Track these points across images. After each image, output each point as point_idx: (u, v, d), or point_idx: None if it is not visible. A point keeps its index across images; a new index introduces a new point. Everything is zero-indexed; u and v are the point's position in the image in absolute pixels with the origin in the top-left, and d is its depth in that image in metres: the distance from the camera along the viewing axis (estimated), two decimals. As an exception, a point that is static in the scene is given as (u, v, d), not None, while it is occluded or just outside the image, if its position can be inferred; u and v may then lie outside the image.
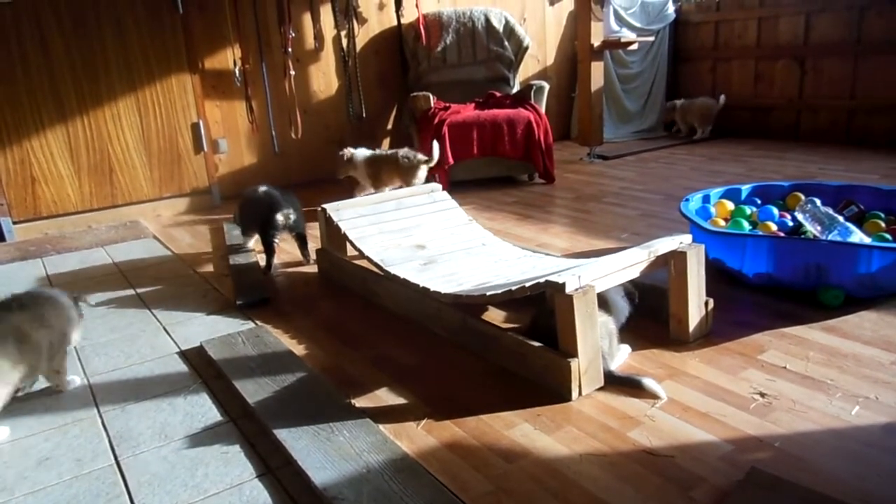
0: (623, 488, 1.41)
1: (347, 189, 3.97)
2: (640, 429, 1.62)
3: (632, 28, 5.63)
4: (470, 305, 2.18)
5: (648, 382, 1.77)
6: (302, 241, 3.08)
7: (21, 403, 1.95)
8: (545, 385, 1.81)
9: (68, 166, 3.98)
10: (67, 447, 1.71)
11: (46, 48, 3.80)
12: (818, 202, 2.53)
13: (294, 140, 4.55)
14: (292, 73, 4.42)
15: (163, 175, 4.28)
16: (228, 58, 4.39)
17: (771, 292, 2.35)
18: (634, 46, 5.10)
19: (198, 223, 4.05)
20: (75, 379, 2.04)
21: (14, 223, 3.88)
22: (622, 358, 1.93)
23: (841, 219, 2.42)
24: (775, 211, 2.68)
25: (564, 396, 1.76)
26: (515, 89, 5.00)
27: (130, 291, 2.88)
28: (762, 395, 1.73)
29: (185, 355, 2.22)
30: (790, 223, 2.59)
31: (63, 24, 3.82)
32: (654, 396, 1.74)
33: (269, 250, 2.99)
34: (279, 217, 2.93)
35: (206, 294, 2.78)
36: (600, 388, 1.80)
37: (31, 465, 1.64)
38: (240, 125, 4.54)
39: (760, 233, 2.53)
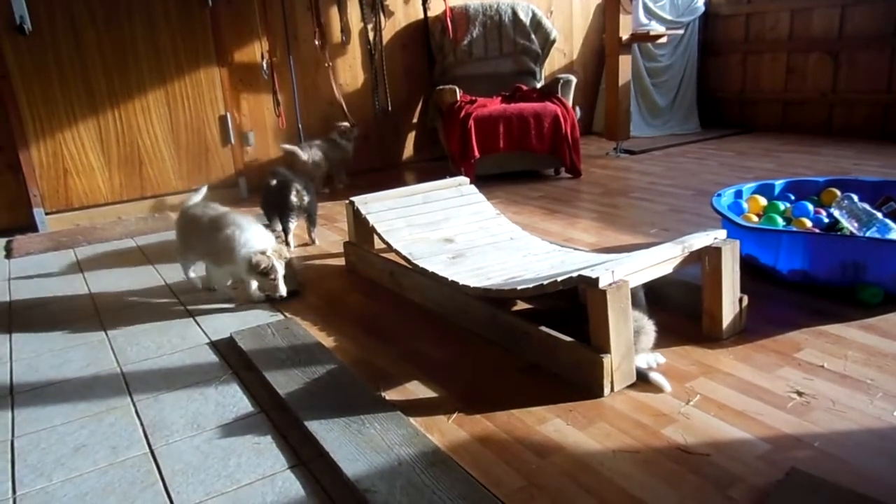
0: (659, 486, 1.39)
1: (374, 182, 3.98)
2: (675, 426, 1.59)
3: (661, 21, 5.56)
4: (498, 300, 2.16)
5: (654, 376, 1.77)
6: (311, 223, 3.30)
7: (56, 390, 1.98)
8: (576, 380, 1.79)
9: (99, 158, 4.04)
10: (102, 435, 1.73)
11: (79, 41, 3.85)
12: (855, 198, 2.47)
13: (321, 133, 4.56)
14: (328, 65, 4.54)
15: (191, 167, 4.32)
16: (256, 51, 4.41)
17: (806, 290, 2.30)
18: (664, 40, 5.03)
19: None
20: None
21: (47, 214, 3.95)
22: (649, 361, 1.88)
23: (879, 215, 2.36)
24: (810, 207, 2.63)
25: (596, 392, 1.74)
26: (542, 83, 4.97)
27: (160, 282, 2.91)
28: (799, 393, 1.69)
29: (215, 346, 2.23)
30: (826, 219, 2.54)
31: (95, 17, 3.87)
32: (660, 390, 1.74)
33: (285, 232, 3.23)
34: (293, 197, 3.12)
35: (236, 286, 2.80)
36: (632, 385, 1.78)
37: (68, 452, 1.66)
38: (267, 118, 4.56)
39: (795, 229, 2.48)
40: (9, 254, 3.49)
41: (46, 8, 3.73)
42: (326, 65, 4.54)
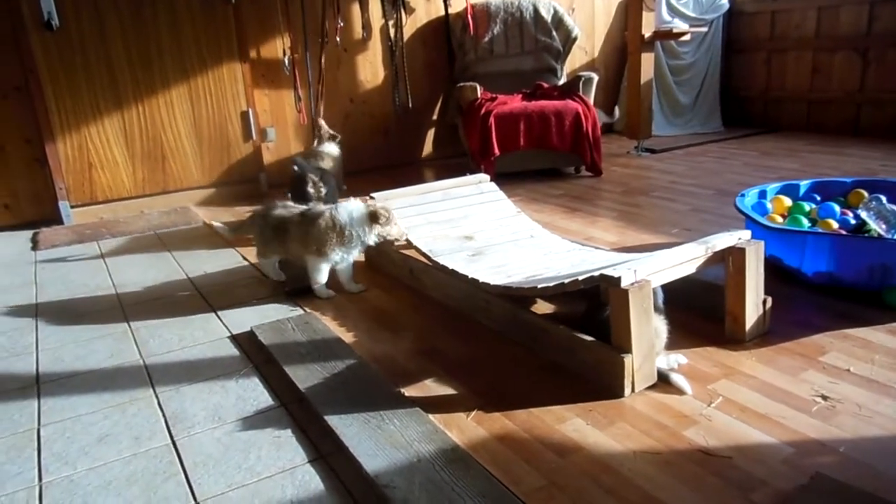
0: (680, 488, 1.38)
1: (394, 179, 3.98)
2: (696, 428, 1.58)
3: (684, 18, 5.50)
4: (519, 298, 2.15)
5: (675, 378, 1.75)
6: None
7: (81, 381, 2.01)
8: (597, 380, 1.78)
9: (123, 152, 4.09)
10: (126, 425, 1.75)
11: (104, 37, 3.90)
12: (884, 199, 2.43)
13: (340, 129, 4.58)
14: (322, 62, 4.51)
15: (212, 162, 4.36)
16: (278, 47, 4.44)
17: (832, 292, 2.26)
18: (687, 37, 4.97)
19: (246, 210, 4.11)
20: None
21: (72, 207, 4.01)
22: (669, 362, 1.86)
23: (908, 217, 2.31)
24: (837, 208, 2.58)
25: (616, 392, 1.73)
26: (563, 81, 4.94)
27: (182, 276, 2.94)
28: (824, 397, 1.67)
29: (236, 340, 2.25)
30: (853, 221, 2.50)
31: (121, 14, 3.91)
32: (681, 392, 1.73)
33: None
34: (310, 188, 3.14)
35: (256, 280, 2.82)
36: (653, 386, 1.76)
37: (92, 442, 1.69)
38: (287, 114, 4.59)
39: (821, 230, 2.44)
40: (35, 246, 3.55)
41: (73, 4, 3.78)
42: (322, 62, 4.49)
